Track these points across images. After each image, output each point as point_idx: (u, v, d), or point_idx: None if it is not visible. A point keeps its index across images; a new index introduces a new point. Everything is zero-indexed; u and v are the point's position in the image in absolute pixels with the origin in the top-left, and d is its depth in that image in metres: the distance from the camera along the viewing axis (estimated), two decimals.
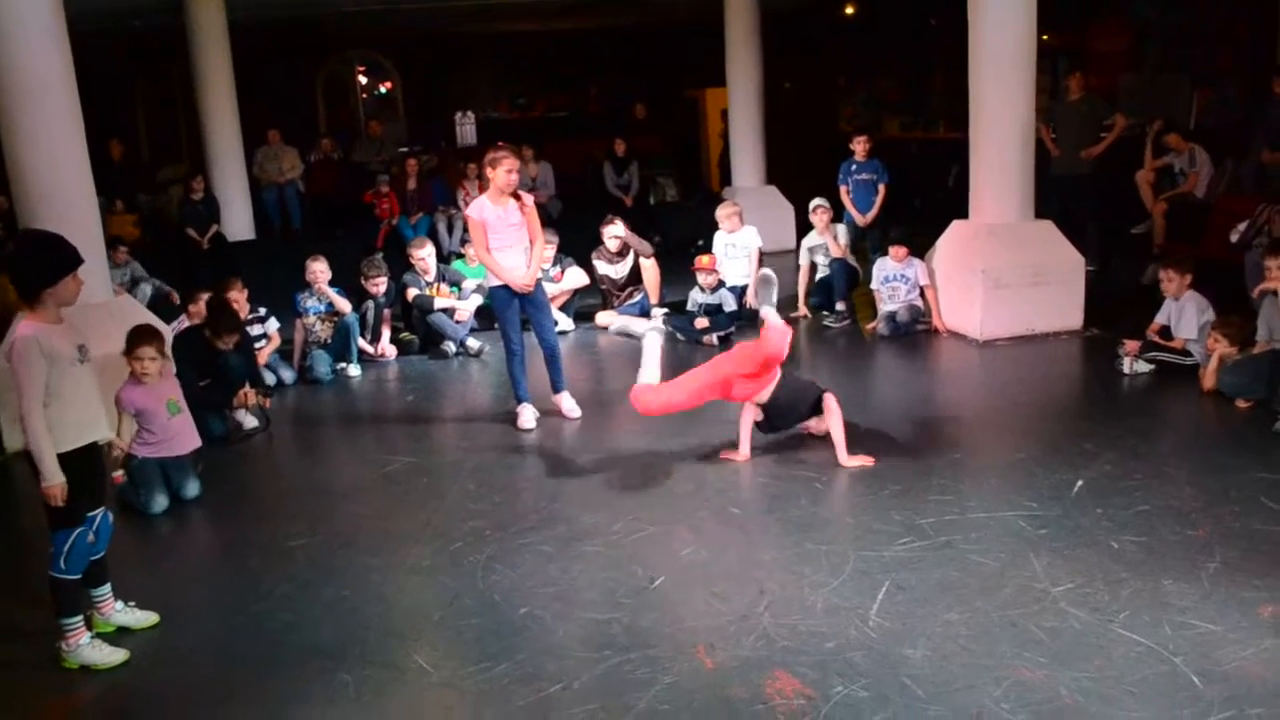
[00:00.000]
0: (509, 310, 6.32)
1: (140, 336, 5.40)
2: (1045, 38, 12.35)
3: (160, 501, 5.30)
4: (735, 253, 9.08)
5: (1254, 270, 7.21)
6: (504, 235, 6.18)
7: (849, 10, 16.92)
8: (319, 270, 8.03)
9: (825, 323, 8.68)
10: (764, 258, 9.15)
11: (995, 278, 7.67)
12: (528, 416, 6.39)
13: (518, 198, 6.23)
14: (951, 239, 8.27)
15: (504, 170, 6.11)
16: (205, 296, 7.18)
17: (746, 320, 8.71)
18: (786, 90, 17.75)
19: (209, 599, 4.44)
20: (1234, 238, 8.65)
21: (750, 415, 5.49)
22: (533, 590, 4.13)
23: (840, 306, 8.75)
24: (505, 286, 6.22)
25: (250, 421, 6.63)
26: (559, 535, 4.66)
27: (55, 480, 3.68)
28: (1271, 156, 9.78)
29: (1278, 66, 10.47)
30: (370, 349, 8.28)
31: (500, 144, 6.37)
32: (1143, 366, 6.69)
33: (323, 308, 8.02)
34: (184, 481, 5.44)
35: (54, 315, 3.76)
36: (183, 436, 5.47)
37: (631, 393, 5.52)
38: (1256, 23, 11.80)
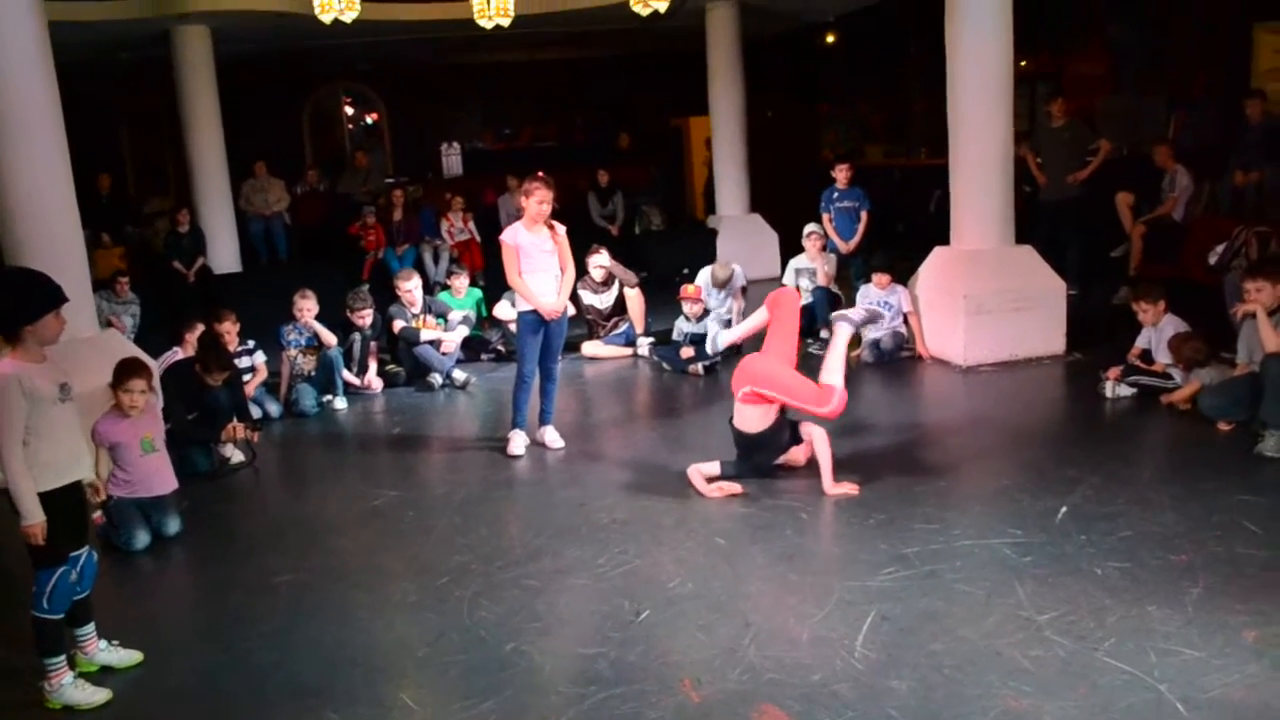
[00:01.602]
0: (533, 337, 6.37)
1: (130, 369, 5.39)
2: (1023, 63, 12.49)
3: (141, 539, 5.27)
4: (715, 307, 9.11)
5: (1233, 292, 7.26)
6: (536, 260, 6.28)
7: (830, 38, 17.05)
8: (306, 308, 8.04)
9: (810, 349, 8.71)
10: (748, 286, 9.23)
11: (977, 303, 7.72)
12: (518, 443, 6.44)
13: (550, 227, 6.34)
14: (933, 265, 8.33)
15: (535, 201, 6.24)
16: (199, 329, 7.18)
17: (732, 350, 8.73)
18: (769, 118, 17.87)
19: (193, 637, 4.41)
20: (1212, 260, 8.74)
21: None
22: (519, 626, 4.13)
23: (824, 334, 8.78)
24: (534, 313, 6.28)
25: (236, 455, 6.62)
26: (545, 569, 4.66)
27: (35, 520, 3.66)
28: (1244, 178, 9.90)
29: (1250, 89, 10.61)
30: (356, 381, 8.28)
31: (539, 175, 6.50)
32: (1124, 390, 6.73)
33: (304, 341, 8.02)
34: (165, 519, 5.41)
35: (36, 353, 3.75)
36: (158, 477, 5.45)
37: (833, 405, 5.39)
38: (1230, 45, 11.95)
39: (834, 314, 5.99)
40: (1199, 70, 12.33)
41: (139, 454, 5.39)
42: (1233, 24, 11.81)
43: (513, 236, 6.32)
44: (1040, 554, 4.44)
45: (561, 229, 6.42)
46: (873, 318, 7.03)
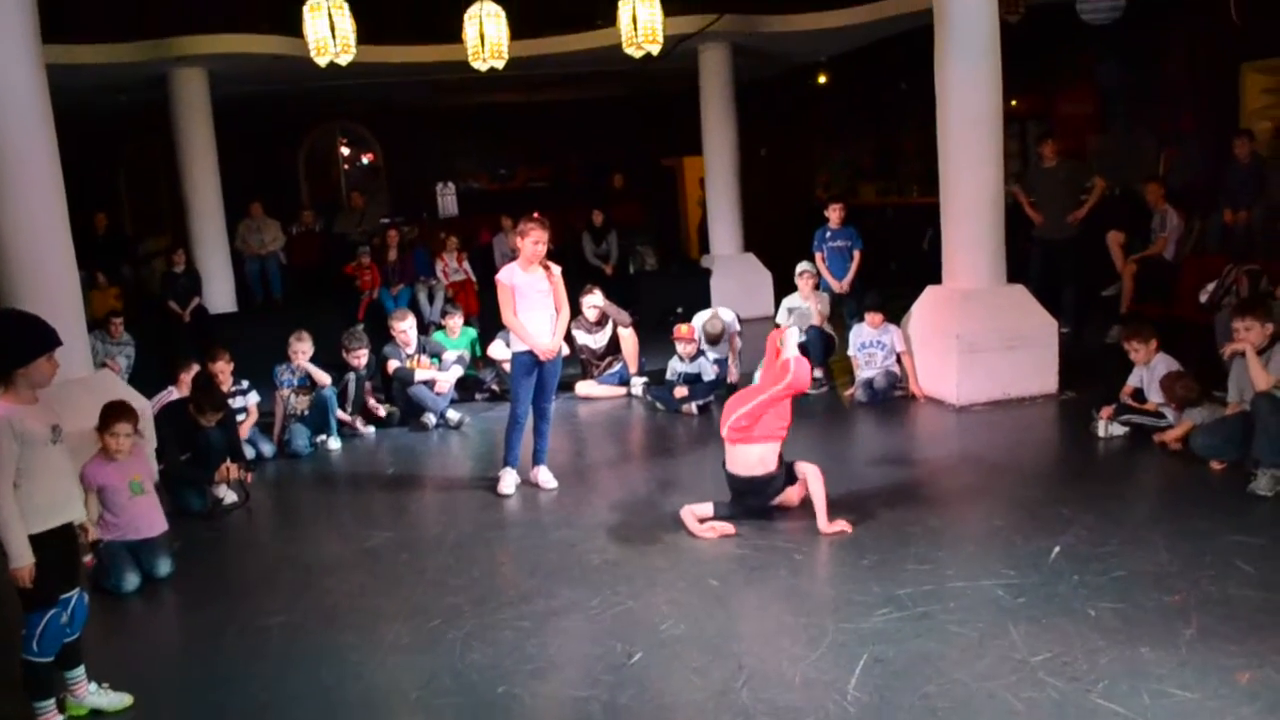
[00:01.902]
0: (527, 377, 6.40)
1: (116, 413, 5.39)
2: (1014, 102, 12.62)
3: (131, 580, 5.25)
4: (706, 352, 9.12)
5: (1224, 330, 7.30)
6: (531, 301, 6.32)
7: (822, 78, 17.21)
8: (301, 350, 8.06)
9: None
10: (743, 326, 9.27)
11: (970, 343, 7.75)
12: (508, 482, 6.46)
13: (546, 267, 6.38)
14: (926, 305, 8.36)
15: (531, 241, 6.30)
16: (195, 369, 7.19)
17: (725, 390, 8.75)
18: (762, 158, 18.00)
19: (184, 679, 4.38)
20: (1203, 298, 8.80)
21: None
22: (511, 668, 4.11)
23: (818, 374, 8.80)
24: (529, 353, 6.32)
25: (229, 496, 6.61)
26: (537, 610, 4.64)
27: (24, 562, 3.65)
28: (1233, 216, 9.98)
29: (1238, 128, 10.71)
30: (351, 420, 8.28)
31: (534, 215, 6.55)
32: (1117, 429, 6.75)
33: (297, 381, 8.03)
34: (155, 561, 5.39)
35: (28, 395, 3.76)
36: (147, 519, 5.45)
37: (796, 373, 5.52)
38: (1218, 84, 12.07)
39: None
40: (1187, 109, 12.45)
41: (128, 496, 5.38)
42: (1220, 63, 11.95)
43: (509, 276, 6.36)
44: (1033, 595, 4.43)
45: (557, 270, 6.46)
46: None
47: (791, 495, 5.60)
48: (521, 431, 6.48)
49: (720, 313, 9.22)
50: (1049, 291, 8.74)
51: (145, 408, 7.22)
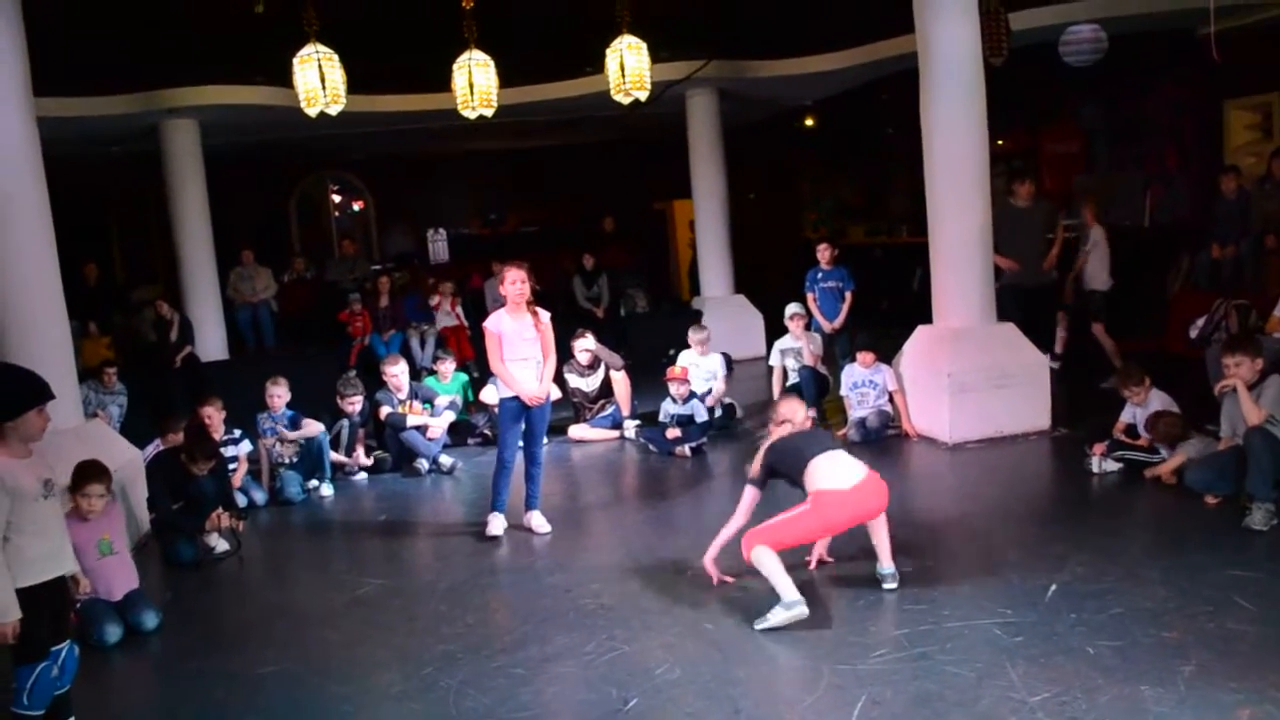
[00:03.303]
0: (515, 423, 6.42)
1: (88, 474, 5.33)
2: (1000, 143, 12.74)
3: (113, 632, 5.18)
4: (698, 373, 9.17)
5: (1215, 365, 7.32)
6: (518, 348, 6.33)
7: (809, 121, 17.37)
8: (277, 395, 8.06)
9: None
10: (733, 369, 9.29)
11: (961, 381, 7.77)
12: (496, 525, 6.45)
13: (534, 314, 6.38)
14: (917, 344, 8.39)
15: (508, 282, 6.34)
16: (183, 425, 7.14)
17: (718, 430, 8.76)
18: (752, 200, 18.11)
19: None
20: (1193, 333, 8.85)
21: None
22: (506, 716, 4.06)
23: (811, 414, 8.80)
24: (515, 399, 6.32)
25: (221, 545, 6.56)
26: (532, 657, 4.60)
27: (9, 618, 3.61)
28: (1221, 252, 10.05)
29: (1224, 165, 10.81)
30: (346, 460, 8.28)
31: (514, 262, 6.54)
32: (1111, 465, 6.75)
33: (282, 426, 8.00)
34: (139, 616, 5.32)
35: (19, 449, 3.75)
36: (117, 579, 5.39)
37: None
38: (1202, 122, 12.22)
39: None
40: (1171, 147, 12.59)
41: (96, 557, 5.31)
42: (1204, 101, 12.10)
43: (496, 324, 6.37)
44: (1031, 633, 4.40)
45: (545, 315, 6.47)
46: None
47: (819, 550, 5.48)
48: (509, 476, 6.47)
49: (687, 355, 9.35)
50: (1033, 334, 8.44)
51: (136, 458, 7.20)
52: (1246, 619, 4.38)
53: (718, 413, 9.00)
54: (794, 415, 5.31)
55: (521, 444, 6.54)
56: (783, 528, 4.90)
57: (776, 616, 4.64)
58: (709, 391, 9.07)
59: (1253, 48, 10.56)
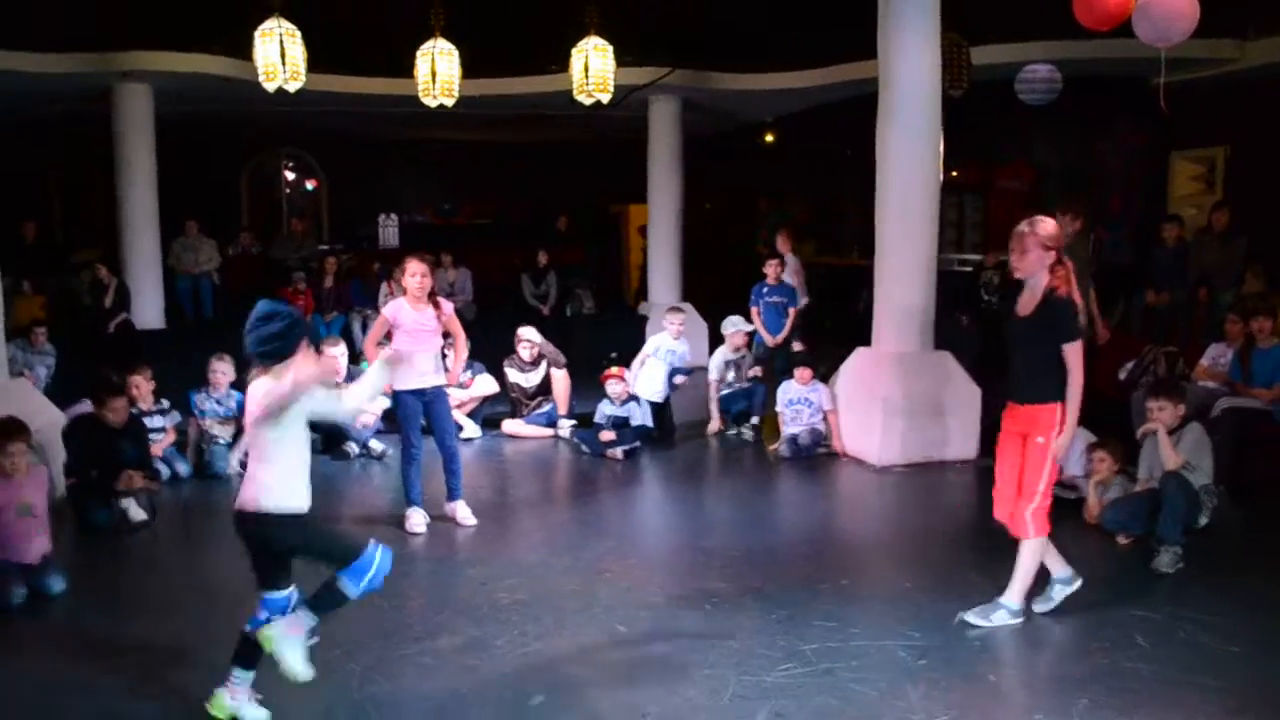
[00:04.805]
0: (412, 413, 6.35)
1: (9, 431, 5.26)
2: (954, 174, 12.93)
3: (18, 594, 5.10)
4: (666, 356, 9.20)
5: (1139, 409, 7.48)
6: (416, 337, 6.27)
7: (769, 137, 17.49)
8: (221, 371, 7.91)
9: (742, 436, 9.03)
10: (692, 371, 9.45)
11: (894, 405, 7.86)
12: (417, 520, 6.39)
13: (436, 304, 6.32)
14: (854, 365, 8.48)
15: (408, 274, 6.31)
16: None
17: (655, 434, 8.78)
18: (707, 210, 18.17)
19: (70, 702, 4.26)
20: (1122, 375, 9.02)
21: None
22: (410, 705, 4.06)
23: (755, 420, 9.01)
24: (410, 391, 6.26)
25: (138, 514, 6.45)
26: (442, 647, 4.59)
27: None
28: (1155, 298, 10.29)
29: (1168, 214, 11.07)
30: None
31: (422, 254, 6.50)
32: None
33: (223, 411, 7.86)
34: (44, 580, 5.23)
35: None
36: (27, 541, 5.28)
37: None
38: (1148, 170, 12.50)
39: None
40: (1117, 192, 12.86)
41: (12, 515, 5.23)
42: (1152, 150, 12.38)
43: (393, 311, 6.36)
44: (935, 657, 4.47)
45: (448, 305, 6.47)
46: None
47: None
48: (417, 468, 6.40)
49: (659, 339, 9.39)
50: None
51: (58, 420, 7.06)
52: (1142, 658, 4.48)
53: (680, 380, 9.13)
54: None
55: (436, 440, 6.46)
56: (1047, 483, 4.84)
57: (1060, 593, 4.96)
58: (674, 373, 9.13)
59: (1200, 102, 10.82)
